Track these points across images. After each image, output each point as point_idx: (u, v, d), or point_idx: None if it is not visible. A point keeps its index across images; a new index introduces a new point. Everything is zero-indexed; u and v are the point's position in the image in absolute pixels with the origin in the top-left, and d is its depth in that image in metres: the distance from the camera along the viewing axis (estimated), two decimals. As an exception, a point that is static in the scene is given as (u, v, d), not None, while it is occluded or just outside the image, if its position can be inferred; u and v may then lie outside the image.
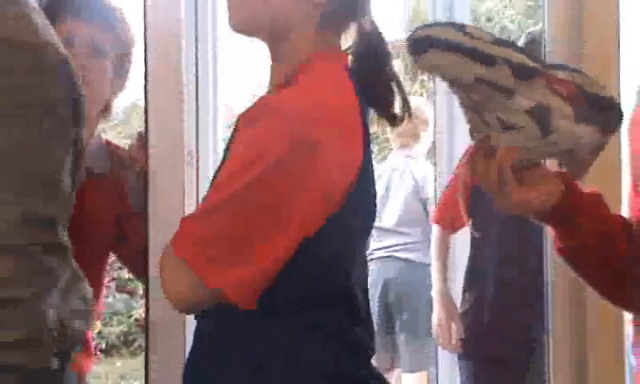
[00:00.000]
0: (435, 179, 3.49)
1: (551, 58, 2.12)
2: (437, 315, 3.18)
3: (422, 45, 1.38)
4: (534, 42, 2.77)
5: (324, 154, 1.36)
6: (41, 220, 1.56)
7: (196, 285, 1.36)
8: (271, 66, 1.54)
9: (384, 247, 4.60)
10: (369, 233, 1.55)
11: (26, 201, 1.54)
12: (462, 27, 1.38)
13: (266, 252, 1.35)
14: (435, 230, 3.26)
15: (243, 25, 1.52)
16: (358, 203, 1.44)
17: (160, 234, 1.94)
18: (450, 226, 3.18)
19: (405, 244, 4.67)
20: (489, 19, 7.94)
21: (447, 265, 3.23)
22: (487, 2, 8.04)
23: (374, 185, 1.51)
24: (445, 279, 3.19)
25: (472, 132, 1.43)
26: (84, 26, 2.06)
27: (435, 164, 3.51)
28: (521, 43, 2.85)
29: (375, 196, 1.53)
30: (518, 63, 1.36)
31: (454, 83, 1.39)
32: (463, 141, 3.21)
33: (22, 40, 1.55)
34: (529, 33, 2.93)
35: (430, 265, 3.31)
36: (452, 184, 3.12)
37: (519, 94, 1.36)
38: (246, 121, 1.40)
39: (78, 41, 2.04)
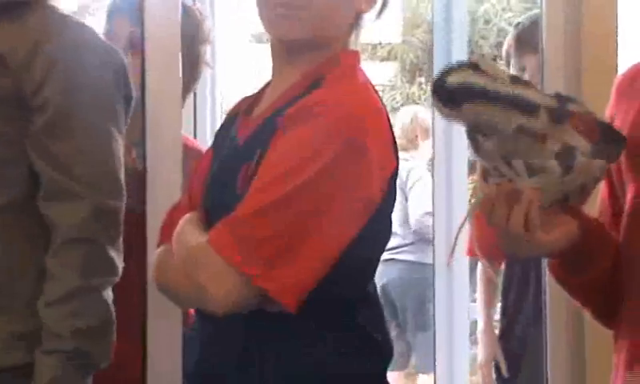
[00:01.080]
0: (433, 187, 3.41)
1: (548, 60, 2.13)
2: (479, 355, 2.95)
3: (457, 96, 1.32)
4: (526, 29, 2.63)
5: (371, 157, 1.35)
6: (109, 213, 1.66)
7: (241, 286, 1.32)
8: (283, 64, 1.49)
9: (383, 251, 4.60)
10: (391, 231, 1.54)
11: (98, 195, 1.64)
12: (476, 67, 1.33)
13: (315, 255, 1.33)
14: (482, 266, 2.94)
15: (299, 34, 1.44)
16: (389, 207, 1.44)
17: (158, 234, 1.93)
18: (497, 261, 2.89)
19: (400, 246, 4.69)
20: (486, 21, 7.95)
21: (494, 300, 2.98)
22: (485, 4, 8.05)
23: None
24: (490, 317, 2.94)
25: (486, 176, 1.37)
26: (123, 22, 2.10)
27: (433, 166, 3.47)
28: (512, 36, 2.70)
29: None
30: (554, 107, 1.33)
31: (486, 132, 1.34)
32: (461, 146, 3.19)
33: (99, 45, 1.73)
34: (518, 23, 2.76)
35: (430, 264, 3.24)
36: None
37: (552, 137, 1.33)
38: (293, 120, 1.37)
39: (118, 37, 2.09)
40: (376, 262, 1.49)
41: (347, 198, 1.34)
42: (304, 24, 1.43)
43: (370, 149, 1.35)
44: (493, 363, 2.87)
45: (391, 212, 1.47)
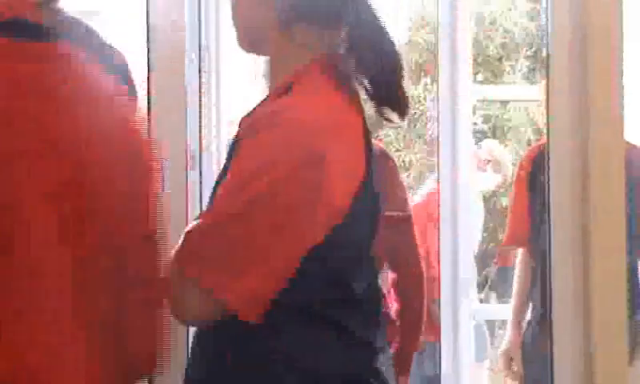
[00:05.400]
0: (438, 174, 3.39)
1: (554, 59, 2.12)
2: (503, 344, 3.09)
3: None
4: None
5: (329, 167, 1.36)
6: None
7: (202, 299, 1.36)
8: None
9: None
10: (374, 236, 1.54)
11: None
12: None
13: (271, 265, 1.35)
14: (521, 254, 3.11)
15: (239, 41, 1.54)
16: (363, 211, 1.44)
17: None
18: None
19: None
20: (492, 22, 7.94)
21: (526, 289, 3.06)
22: (491, 5, 8.04)
23: (375, 189, 1.50)
24: (519, 309, 3.05)
25: None
26: None
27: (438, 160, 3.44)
28: None
29: (379, 199, 1.52)
30: None
31: None
32: (465, 141, 3.18)
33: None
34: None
35: None
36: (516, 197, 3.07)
37: None
38: (250, 130, 1.39)
39: None
40: (354, 265, 1.47)
41: (304, 208, 1.35)
42: (237, 29, 1.54)
43: (328, 158, 1.35)
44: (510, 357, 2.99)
45: (365, 214, 1.45)
